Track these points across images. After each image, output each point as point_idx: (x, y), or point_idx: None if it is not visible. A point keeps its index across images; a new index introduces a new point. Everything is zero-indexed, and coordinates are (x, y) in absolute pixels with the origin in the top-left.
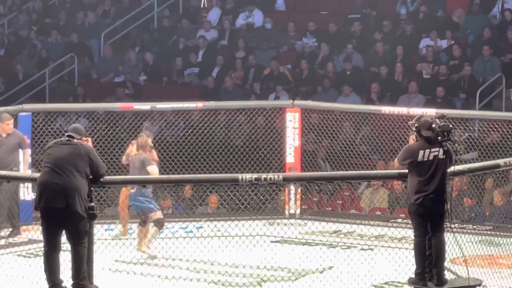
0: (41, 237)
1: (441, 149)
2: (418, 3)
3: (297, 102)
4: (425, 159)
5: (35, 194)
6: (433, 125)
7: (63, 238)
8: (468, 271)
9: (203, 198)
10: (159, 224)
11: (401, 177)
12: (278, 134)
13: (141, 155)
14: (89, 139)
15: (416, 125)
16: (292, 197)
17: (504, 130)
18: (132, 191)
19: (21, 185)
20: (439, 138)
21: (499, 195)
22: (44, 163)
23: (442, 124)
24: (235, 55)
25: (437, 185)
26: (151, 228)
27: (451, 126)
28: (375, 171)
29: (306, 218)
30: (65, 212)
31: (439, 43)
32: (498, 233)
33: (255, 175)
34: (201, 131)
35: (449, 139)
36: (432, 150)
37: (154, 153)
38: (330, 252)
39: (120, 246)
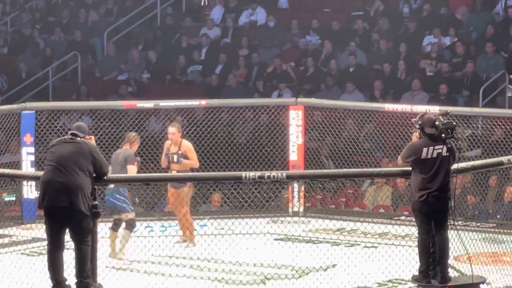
0: (44, 236)
1: (444, 146)
2: (421, 1)
3: (300, 99)
4: (429, 157)
5: (39, 192)
6: (437, 123)
7: (67, 236)
8: (472, 268)
9: (207, 196)
10: (130, 225)
11: (405, 174)
12: (281, 132)
13: (126, 152)
14: (92, 137)
15: (419, 122)
16: (296, 194)
17: (508, 127)
18: (111, 186)
19: (25, 183)
20: (443, 135)
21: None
22: (47, 161)
23: (445, 121)
24: (238, 53)
25: (441, 183)
26: (122, 230)
27: (454, 123)
28: (378, 169)
29: (309, 215)
30: (68, 210)
31: (443, 40)
32: (501, 230)
33: (258, 173)
34: (204, 129)
35: (452, 136)
36: (436, 147)
37: (186, 143)
38: (333, 250)
39: (124, 245)
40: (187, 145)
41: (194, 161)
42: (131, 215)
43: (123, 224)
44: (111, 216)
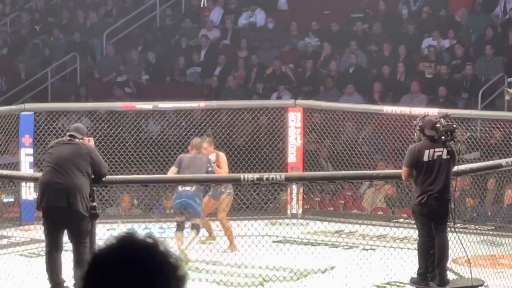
0: (43, 237)
1: (445, 149)
2: (420, 3)
3: (299, 101)
4: (430, 159)
5: (37, 193)
6: (437, 125)
7: (65, 237)
8: (471, 271)
9: None
10: (197, 229)
11: None
12: (280, 134)
13: (205, 157)
14: (91, 138)
15: (420, 124)
16: (294, 197)
17: (506, 130)
18: (188, 188)
19: (23, 184)
20: (443, 137)
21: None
22: (46, 162)
23: (445, 123)
24: (237, 55)
25: (442, 185)
26: (190, 232)
27: (454, 125)
28: (377, 171)
29: (308, 218)
30: (67, 212)
31: (442, 42)
32: (500, 233)
33: (257, 175)
34: (203, 130)
35: (452, 138)
36: (436, 149)
37: (220, 156)
38: (332, 252)
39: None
40: (221, 157)
41: (224, 171)
42: (199, 220)
43: (189, 227)
44: (180, 216)
